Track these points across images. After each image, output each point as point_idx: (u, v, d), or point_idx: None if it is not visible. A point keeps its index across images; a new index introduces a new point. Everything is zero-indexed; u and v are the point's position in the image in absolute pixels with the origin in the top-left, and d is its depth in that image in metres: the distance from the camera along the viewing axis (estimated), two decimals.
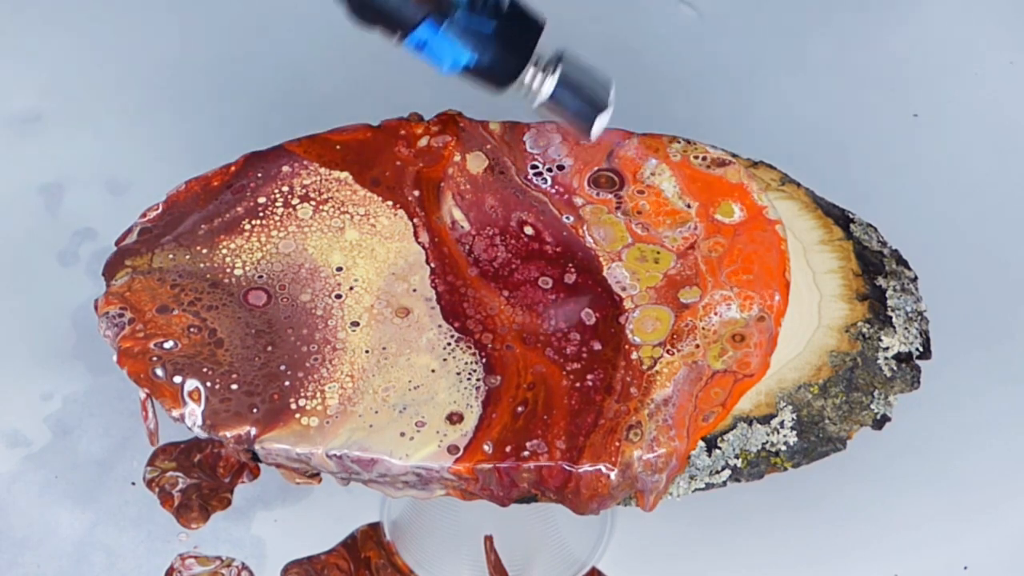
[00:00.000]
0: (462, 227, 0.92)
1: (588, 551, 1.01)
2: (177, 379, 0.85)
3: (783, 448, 0.85)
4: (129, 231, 0.92)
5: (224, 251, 0.91)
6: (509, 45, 0.88)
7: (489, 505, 0.85)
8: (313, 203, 0.92)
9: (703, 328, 0.87)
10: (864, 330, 0.88)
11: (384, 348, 0.87)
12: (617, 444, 0.83)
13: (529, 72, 0.88)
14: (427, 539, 1.01)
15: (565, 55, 0.88)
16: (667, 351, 0.86)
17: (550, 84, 0.88)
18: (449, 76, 0.88)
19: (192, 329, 0.87)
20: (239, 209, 0.92)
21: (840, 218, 0.94)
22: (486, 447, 0.83)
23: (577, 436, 0.83)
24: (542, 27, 0.88)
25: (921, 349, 0.89)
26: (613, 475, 0.83)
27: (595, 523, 1.01)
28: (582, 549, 1.01)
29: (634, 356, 0.86)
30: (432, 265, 0.90)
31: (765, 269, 0.89)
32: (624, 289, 0.89)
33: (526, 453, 0.83)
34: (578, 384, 0.85)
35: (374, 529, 1.02)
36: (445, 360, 0.86)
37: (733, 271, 0.89)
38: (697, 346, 0.86)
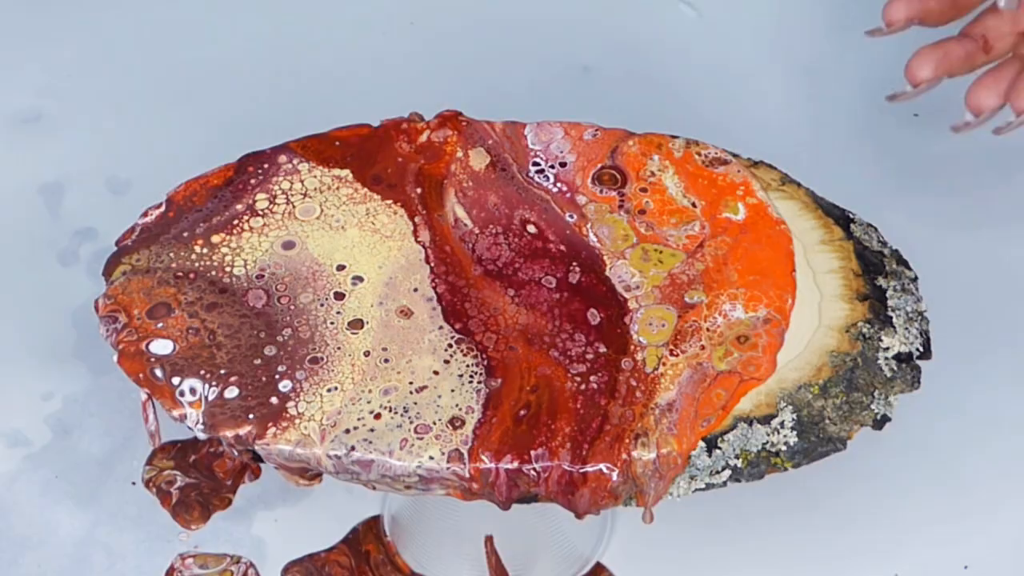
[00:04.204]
0: (465, 225, 0.92)
1: (591, 546, 1.01)
2: (176, 380, 0.85)
3: (783, 448, 0.85)
4: (129, 231, 0.92)
5: (224, 250, 0.90)
6: None
7: (489, 504, 0.85)
8: (313, 201, 0.92)
9: (708, 329, 0.87)
10: (864, 330, 0.88)
11: (385, 349, 0.86)
12: (625, 456, 0.83)
13: None
14: (427, 539, 1.01)
15: None
16: (671, 352, 0.86)
17: None
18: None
19: (191, 330, 0.87)
20: (239, 208, 0.92)
21: (840, 218, 0.94)
22: (486, 455, 0.82)
23: (582, 444, 0.83)
24: None
25: (921, 349, 0.89)
26: (615, 476, 0.83)
27: (597, 518, 1.01)
28: (585, 545, 1.01)
29: (639, 357, 0.86)
30: (433, 264, 0.90)
31: (772, 269, 0.89)
32: (628, 289, 0.89)
33: (530, 466, 0.82)
34: (583, 387, 0.85)
35: (375, 521, 1.02)
36: (447, 362, 0.86)
37: (739, 271, 0.89)
38: (702, 347, 0.86)
